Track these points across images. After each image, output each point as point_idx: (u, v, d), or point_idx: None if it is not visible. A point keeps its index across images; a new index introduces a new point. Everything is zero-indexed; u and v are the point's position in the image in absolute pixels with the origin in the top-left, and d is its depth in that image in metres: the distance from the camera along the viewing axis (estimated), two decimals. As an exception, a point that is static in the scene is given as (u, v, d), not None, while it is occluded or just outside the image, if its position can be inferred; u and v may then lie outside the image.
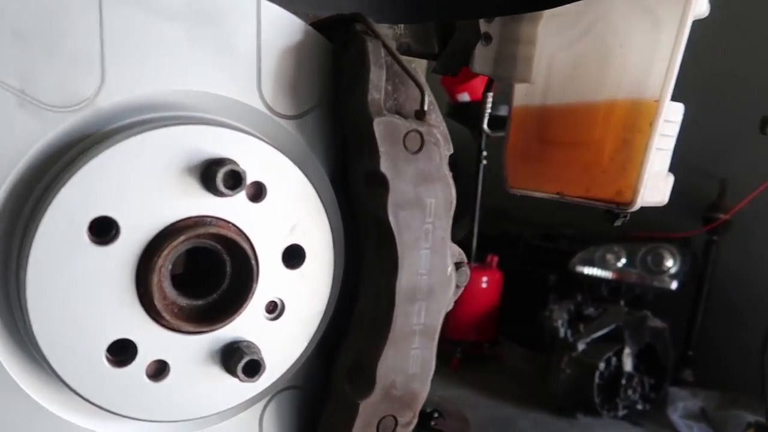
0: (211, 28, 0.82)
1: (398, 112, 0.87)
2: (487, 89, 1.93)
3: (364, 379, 0.89)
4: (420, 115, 0.88)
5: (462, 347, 4.90)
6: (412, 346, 0.90)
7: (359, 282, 0.95)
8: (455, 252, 0.96)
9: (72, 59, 0.74)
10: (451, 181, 0.90)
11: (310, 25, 0.90)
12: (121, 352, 0.78)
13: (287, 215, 0.86)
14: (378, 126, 0.82)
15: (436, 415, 2.34)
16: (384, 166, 0.83)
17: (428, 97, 0.89)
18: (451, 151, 0.93)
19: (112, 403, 0.78)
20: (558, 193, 1.55)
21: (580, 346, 4.29)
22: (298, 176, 0.87)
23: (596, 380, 4.10)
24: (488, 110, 1.93)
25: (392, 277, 0.87)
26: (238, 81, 0.85)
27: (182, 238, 0.77)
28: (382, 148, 0.83)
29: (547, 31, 1.38)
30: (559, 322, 4.66)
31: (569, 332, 4.56)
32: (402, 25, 1.51)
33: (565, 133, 1.56)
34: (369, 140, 0.83)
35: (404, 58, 0.90)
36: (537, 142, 1.66)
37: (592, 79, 1.41)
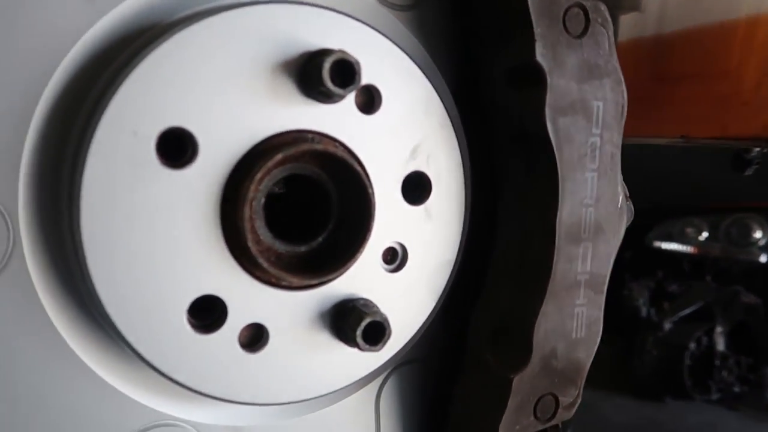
0: None
1: (552, -16, 0.64)
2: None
3: (517, 345, 0.67)
4: (580, -13, 0.65)
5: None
6: (577, 301, 0.68)
7: (497, 218, 0.73)
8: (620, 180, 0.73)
9: None
10: (622, 77, 0.67)
11: None
12: (207, 313, 0.59)
13: (408, 133, 0.65)
14: (533, -3, 0.60)
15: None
16: (541, 54, 0.61)
17: (589, -36, 0.66)
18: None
19: (197, 379, 0.59)
20: (682, 137, 1.29)
21: (666, 326, 3.98)
22: (420, 81, 0.65)
23: (686, 361, 3.79)
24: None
25: (549, 209, 0.65)
26: (338, -47, 0.64)
27: (279, 157, 0.56)
28: (538, 29, 0.60)
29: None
30: (641, 301, 4.35)
31: (652, 311, 4.24)
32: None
33: (689, 64, 1.30)
34: (517, 20, 0.61)
35: None
36: (651, 79, 1.40)
37: (725, -7, 1.16)
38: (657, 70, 1.35)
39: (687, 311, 4.08)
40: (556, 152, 0.64)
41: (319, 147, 0.59)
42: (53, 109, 0.54)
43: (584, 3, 0.63)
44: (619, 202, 0.69)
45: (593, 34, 0.64)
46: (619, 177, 0.69)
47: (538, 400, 0.67)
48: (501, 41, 0.65)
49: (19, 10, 0.52)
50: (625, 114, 0.68)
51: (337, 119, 0.61)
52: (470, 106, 0.73)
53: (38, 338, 0.55)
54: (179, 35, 0.54)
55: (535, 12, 0.60)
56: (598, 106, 0.65)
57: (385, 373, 0.74)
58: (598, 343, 0.70)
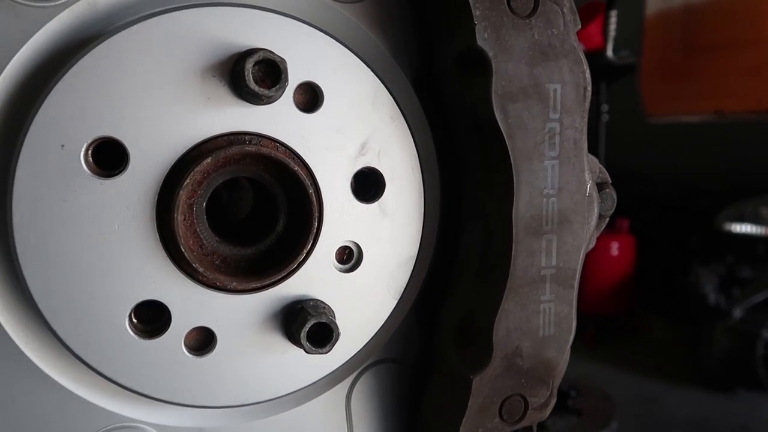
0: None
1: (497, -37, 0.61)
2: (610, 5, 1.59)
3: (478, 344, 0.64)
4: (529, -37, 0.61)
5: (595, 322, 4.48)
6: (542, 297, 0.64)
7: (462, 214, 0.70)
8: (594, 166, 0.68)
9: (46, -70, 0.55)
10: (583, 57, 0.62)
11: None
12: (153, 318, 0.60)
13: (355, 128, 0.63)
14: (468, -21, 0.56)
15: (573, 393, 2.03)
16: (482, 39, 0.58)
17: (539, -61, 0.61)
18: (578, 26, 0.65)
19: (147, 384, 0.60)
20: (717, 111, 1.20)
21: (737, 313, 3.76)
22: (364, 74, 0.63)
23: (759, 350, 3.56)
24: (613, 32, 1.60)
25: (504, 201, 0.62)
26: (273, -50, 0.63)
27: (209, 160, 0.56)
28: (477, 12, 0.57)
29: None
30: (708, 288, 4.12)
31: (722, 298, 4.01)
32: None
33: (721, 33, 1.21)
34: (457, 4, 0.58)
35: None
36: (682, 52, 1.31)
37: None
38: (687, 42, 1.28)
39: (760, 297, 3.83)
40: (507, 140, 0.60)
41: (252, 149, 0.58)
42: (-4, 124, 0.56)
43: (531, -20, 0.59)
44: (587, 190, 0.65)
45: (544, 13, 0.60)
46: (587, 164, 0.65)
47: (504, 401, 0.64)
48: (447, 27, 0.62)
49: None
50: (588, 96, 0.63)
51: (276, 119, 0.60)
52: (431, 97, 0.70)
53: (-14, 348, 0.58)
54: (102, 45, 0.54)
55: (473, -6, 0.57)
56: (555, 90, 0.61)
57: (356, 373, 0.73)
58: (570, 341, 0.66)
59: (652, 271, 4.82)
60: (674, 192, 5.18)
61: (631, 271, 4.61)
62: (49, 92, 0.53)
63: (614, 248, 4.52)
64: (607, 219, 0.72)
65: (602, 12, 3.52)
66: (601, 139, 4.42)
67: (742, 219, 4.35)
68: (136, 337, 0.58)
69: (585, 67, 0.62)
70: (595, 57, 3.84)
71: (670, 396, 3.74)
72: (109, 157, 0.56)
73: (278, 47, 0.58)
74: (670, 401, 3.69)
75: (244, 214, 0.68)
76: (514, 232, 0.61)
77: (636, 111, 3.54)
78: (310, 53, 0.61)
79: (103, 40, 0.55)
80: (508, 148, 0.60)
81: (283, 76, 0.56)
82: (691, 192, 5.06)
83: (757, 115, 1.09)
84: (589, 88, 0.63)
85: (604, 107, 4.34)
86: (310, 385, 0.66)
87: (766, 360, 3.58)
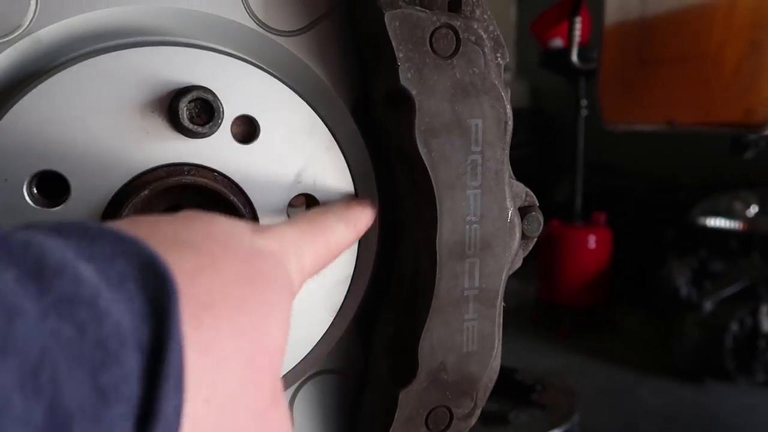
0: (178, -72, 0.64)
1: (423, 4, 0.65)
2: (575, 12, 1.64)
3: (405, 360, 0.69)
4: (454, 5, 0.65)
5: (572, 313, 4.57)
6: (465, 316, 0.69)
7: (398, 238, 0.74)
8: (519, 192, 0.73)
9: (-10, -25, 0.58)
10: (504, 94, 0.66)
11: None
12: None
13: (290, 158, 0.67)
14: (392, 22, 0.60)
15: (539, 388, 2.09)
16: (405, 79, 0.62)
17: (464, -18, 0.65)
18: (507, 59, 0.69)
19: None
20: (668, 122, 1.26)
21: (707, 306, 3.85)
22: (299, 107, 0.67)
23: (728, 343, 3.66)
24: (577, 38, 1.63)
25: (430, 227, 0.66)
26: (211, -12, 0.66)
27: (146, 192, 0.60)
28: (400, 54, 0.61)
29: None
30: (680, 281, 4.22)
31: (693, 291, 4.11)
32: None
33: (672, 46, 1.26)
34: (384, 45, 0.62)
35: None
36: (637, 63, 1.37)
37: (704, -30, 1.10)
38: (643, 53, 1.32)
39: (730, 291, 3.92)
40: (431, 173, 0.64)
41: (189, 179, 0.62)
42: (-56, 157, 0.60)
43: (453, 23, 0.63)
44: (508, 216, 0.69)
45: (465, 53, 0.64)
46: (509, 192, 0.69)
47: (429, 412, 0.69)
48: (376, 66, 0.66)
49: None
50: (509, 130, 0.67)
51: (214, 151, 0.64)
52: (369, 126, 0.74)
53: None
54: (44, 84, 0.58)
55: (396, 37, 0.61)
56: (476, 125, 0.65)
57: (297, 384, 0.78)
58: (494, 356, 0.71)
59: (629, 264, 4.91)
60: (650, 186, 5.27)
61: (608, 264, 4.69)
62: (-7, 130, 0.57)
63: (591, 241, 4.60)
64: (535, 240, 0.76)
65: (584, 7, 3.57)
66: (579, 134, 4.48)
67: (716, 213, 4.44)
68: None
69: (506, 102, 0.67)
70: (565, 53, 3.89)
71: (642, 387, 3.84)
72: (51, 189, 0.59)
73: (215, 83, 0.62)
74: (641, 392, 3.79)
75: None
76: (438, 256, 0.66)
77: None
78: (246, 88, 0.65)
79: (45, 79, 0.58)
80: (432, 179, 0.64)
81: (215, 114, 0.59)
82: (667, 186, 5.15)
83: (705, 127, 1.14)
84: (510, 122, 0.67)
85: (583, 102, 4.39)
86: (248, 397, 0.71)
87: (735, 352, 3.69)
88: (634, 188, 5.32)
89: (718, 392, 3.70)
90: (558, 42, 4.44)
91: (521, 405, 2.06)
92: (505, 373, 0.86)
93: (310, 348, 0.72)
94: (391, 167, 0.72)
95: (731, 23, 1.04)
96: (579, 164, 4.53)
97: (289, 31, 0.71)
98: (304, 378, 0.78)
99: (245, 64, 0.65)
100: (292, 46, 0.71)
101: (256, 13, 0.69)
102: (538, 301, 4.72)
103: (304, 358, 0.72)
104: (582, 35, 3.76)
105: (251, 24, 0.69)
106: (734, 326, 3.64)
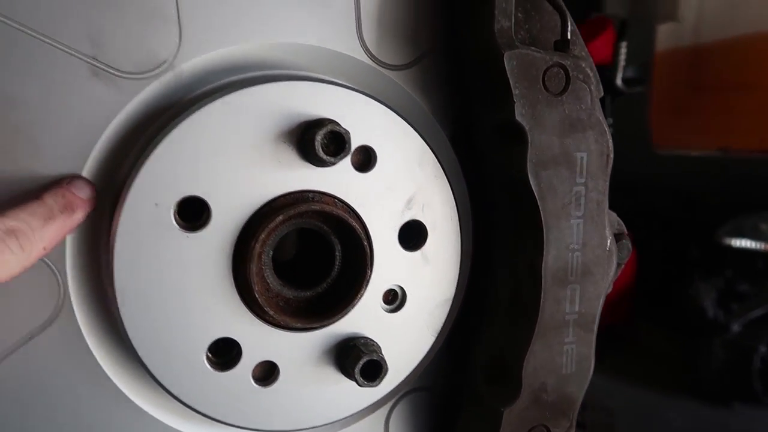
0: (300, -32, 0.69)
1: (533, 45, 0.69)
2: (621, 37, 1.68)
3: (508, 381, 0.72)
4: (562, 45, 0.69)
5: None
6: (565, 339, 0.72)
7: (493, 261, 0.78)
8: (613, 220, 0.77)
9: (146, 15, 0.63)
10: (607, 128, 0.70)
11: (415, -46, 0.74)
12: (225, 353, 0.68)
13: (402, 186, 0.71)
14: (510, 62, 0.65)
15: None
16: (520, 114, 0.66)
17: (571, 24, 0.69)
18: (602, 94, 0.73)
19: (219, 410, 0.68)
20: (721, 149, 1.28)
21: (735, 327, 3.82)
22: (412, 137, 0.71)
23: (756, 364, 3.63)
24: (623, 62, 1.67)
25: (536, 255, 0.70)
26: (334, 26, 0.71)
27: (280, 218, 0.64)
28: (516, 91, 0.65)
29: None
30: (707, 301, 4.19)
31: (720, 312, 4.08)
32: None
33: (728, 74, 1.29)
34: (499, 82, 0.66)
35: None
36: (689, 89, 1.40)
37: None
38: (695, 80, 1.35)
39: (758, 312, 3.90)
40: (539, 202, 0.68)
41: (316, 206, 0.66)
42: (92, 180, 0.64)
43: (564, 62, 0.67)
44: (607, 245, 0.73)
45: (574, 91, 0.68)
46: (608, 221, 0.73)
47: (529, 431, 0.72)
48: (487, 100, 0.70)
49: (62, 99, 0.62)
50: (611, 162, 0.71)
51: (336, 179, 0.68)
52: (468, 155, 0.78)
53: (88, 380, 0.66)
54: (190, 118, 0.62)
55: (513, 75, 0.65)
56: (582, 158, 0.69)
57: (394, 400, 0.81)
58: (589, 378, 0.74)
59: (653, 283, 4.89)
60: (676, 204, 5.26)
61: (632, 282, 4.68)
62: (146, 159, 0.61)
63: (616, 260, 4.59)
64: (623, 265, 0.80)
65: (610, 26, 3.61)
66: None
67: (741, 234, 4.42)
68: (212, 369, 0.66)
69: (608, 137, 0.70)
70: (602, 70, 3.92)
71: (667, 407, 3.82)
72: (193, 214, 0.64)
73: (340, 115, 0.66)
74: (669, 414, 3.76)
75: (306, 260, 0.76)
76: (543, 282, 0.69)
77: (639, 124, 3.63)
78: (367, 120, 0.69)
79: (192, 113, 0.63)
80: (540, 208, 0.68)
81: (347, 146, 0.64)
82: (693, 205, 5.14)
83: (760, 153, 1.16)
84: (611, 155, 0.71)
85: (609, 120, 4.41)
86: (358, 411, 0.74)
87: (763, 374, 3.65)
88: (659, 207, 5.32)
89: (746, 415, 3.67)
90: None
91: (560, 423, 2.07)
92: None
93: (414, 366, 0.76)
94: (490, 195, 0.76)
95: (789, 53, 1.06)
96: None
97: (398, 65, 0.75)
98: (400, 395, 0.81)
99: (364, 96, 0.69)
100: (400, 79, 0.76)
101: (370, 48, 0.73)
102: (562, 319, 4.70)
103: (406, 376, 0.76)
104: (606, 52, 3.79)
105: (365, 58, 0.73)
106: (762, 348, 3.62)
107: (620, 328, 4.65)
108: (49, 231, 0.58)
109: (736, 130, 1.15)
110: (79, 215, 0.61)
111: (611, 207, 0.74)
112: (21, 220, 0.56)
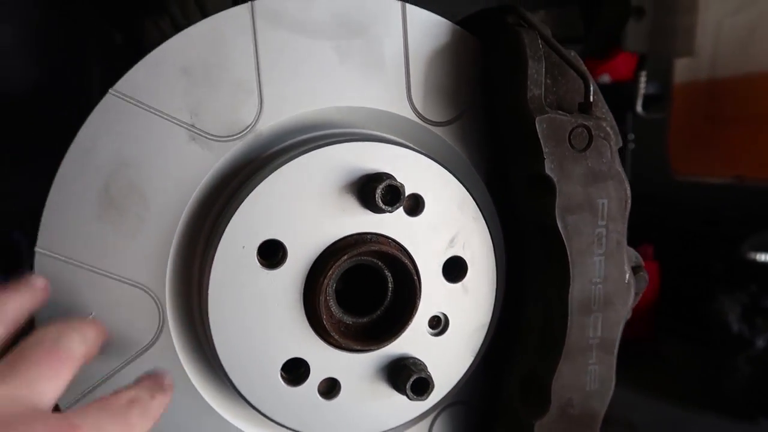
0: (358, 40, 0.81)
1: (560, 107, 0.80)
2: (641, 67, 1.78)
3: (538, 397, 0.83)
4: (585, 107, 0.80)
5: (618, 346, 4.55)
6: (589, 361, 0.82)
7: (524, 291, 0.89)
8: (631, 255, 0.87)
9: (233, 89, 0.76)
10: (625, 177, 0.81)
11: (456, 23, 0.86)
12: (295, 370, 0.80)
13: (446, 227, 0.83)
14: (540, 125, 0.76)
15: (598, 420, 2.17)
16: (549, 168, 0.77)
17: (593, 87, 0.80)
18: (620, 145, 0.84)
19: (290, 420, 0.80)
20: (737, 177, 1.38)
21: (760, 343, 3.84)
22: (454, 185, 0.83)
23: (782, 381, 3.63)
24: (643, 90, 1.77)
25: (563, 287, 0.80)
26: (387, 91, 0.83)
27: (345, 257, 0.76)
28: (546, 149, 0.76)
29: (711, -4, 1.24)
30: (731, 316, 4.21)
31: (744, 327, 4.09)
32: (542, 11, 1.42)
33: (743, 107, 1.39)
34: (531, 141, 0.77)
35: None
36: (706, 120, 1.49)
37: (778, 41, 1.23)
38: (712, 112, 1.45)
39: (784, 328, 3.90)
40: (566, 243, 0.79)
41: (374, 247, 0.78)
42: (188, 225, 0.77)
43: (587, 123, 0.78)
44: (626, 278, 0.83)
45: (596, 147, 0.79)
46: (626, 257, 0.83)
47: (557, 441, 0.82)
48: (519, 155, 0.82)
49: (166, 159, 0.74)
50: (629, 206, 0.82)
51: (390, 222, 0.80)
52: (503, 199, 0.90)
53: (181, 394, 0.78)
54: (273, 175, 0.74)
55: (543, 136, 0.76)
56: (603, 203, 0.80)
57: (436, 412, 0.92)
58: (611, 394, 0.84)
59: (676, 297, 4.91)
60: (698, 218, 5.26)
61: (655, 297, 4.70)
62: (237, 209, 0.73)
63: (638, 274, 4.62)
64: (640, 295, 0.90)
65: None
66: (627, 166, 4.55)
67: (766, 248, 4.43)
68: (285, 384, 0.78)
69: (626, 185, 0.81)
70: (622, 88, 4.00)
71: (690, 423, 3.83)
72: (272, 253, 0.76)
73: (394, 168, 0.78)
74: (690, 428, 3.78)
75: (360, 289, 0.87)
76: (569, 311, 0.80)
77: (660, 140, 3.69)
78: (416, 171, 0.80)
79: (274, 170, 0.75)
80: (566, 248, 0.79)
81: (402, 197, 0.75)
82: (715, 219, 5.14)
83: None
84: (629, 200, 0.81)
85: (630, 136, 4.47)
86: (406, 422, 0.85)
87: (788, 390, 3.65)
88: (682, 221, 5.33)
89: (771, 430, 3.67)
90: (606, 78, 4.55)
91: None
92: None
93: (455, 382, 0.87)
94: (522, 235, 0.87)
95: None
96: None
97: (441, 122, 0.87)
98: (442, 407, 0.92)
99: (412, 151, 0.81)
100: (443, 133, 0.87)
101: (417, 108, 0.85)
102: (585, 333, 4.74)
103: (448, 392, 0.87)
104: (626, 71, 3.86)
105: (413, 117, 0.85)
106: (788, 364, 3.63)
107: (644, 343, 4.68)
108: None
109: (751, 160, 1.23)
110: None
111: (632, 229, 0.83)
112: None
